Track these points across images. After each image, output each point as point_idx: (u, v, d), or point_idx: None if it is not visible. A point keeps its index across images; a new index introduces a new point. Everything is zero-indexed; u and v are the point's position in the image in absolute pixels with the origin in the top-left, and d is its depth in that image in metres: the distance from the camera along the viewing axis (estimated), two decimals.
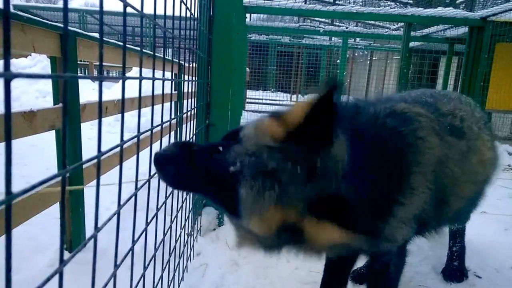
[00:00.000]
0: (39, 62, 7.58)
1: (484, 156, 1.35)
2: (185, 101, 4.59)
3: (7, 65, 0.42)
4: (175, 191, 1.42)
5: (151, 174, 1.07)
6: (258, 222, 0.89)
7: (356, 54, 13.31)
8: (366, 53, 12.45)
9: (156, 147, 1.20)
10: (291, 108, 0.92)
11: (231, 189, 0.89)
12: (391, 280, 1.31)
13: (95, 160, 0.69)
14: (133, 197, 0.92)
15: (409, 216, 1.10)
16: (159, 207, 1.23)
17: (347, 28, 8.90)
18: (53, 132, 1.78)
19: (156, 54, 0.99)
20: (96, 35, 2.07)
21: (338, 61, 9.56)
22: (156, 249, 1.18)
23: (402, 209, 1.07)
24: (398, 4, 12.71)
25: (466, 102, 1.48)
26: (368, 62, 12.78)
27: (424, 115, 1.16)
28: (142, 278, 1.04)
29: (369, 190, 0.98)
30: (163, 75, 1.26)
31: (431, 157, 1.11)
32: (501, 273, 2.02)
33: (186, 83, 1.90)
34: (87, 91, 6.99)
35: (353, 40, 10.17)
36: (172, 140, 4.11)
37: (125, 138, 0.80)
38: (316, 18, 10.13)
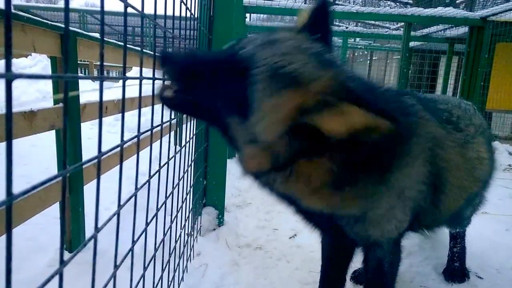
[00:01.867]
0: (39, 62, 7.58)
1: (481, 154, 1.37)
2: None
3: (8, 66, 0.42)
4: (175, 191, 1.42)
5: (151, 174, 1.07)
6: (270, 121, 0.85)
7: (356, 54, 13.30)
8: (366, 53, 12.44)
9: (156, 147, 1.20)
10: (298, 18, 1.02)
11: (241, 85, 0.85)
12: (386, 277, 1.29)
13: (95, 160, 0.69)
14: (133, 197, 0.92)
15: (404, 193, 1.10)
16: (159, 207, 1.23)
17: (347, 28, 8.91)
18: (53, 131, 1.78)
19: (156, 54, 0.99)
20: (96, 35, 2.07)
21: None
22: (156, 250, 1.18)
23: (398, 178, 1.06)
24: (398, 4, 12.70)
25: (466, 108, 1.51)
26: (368, 62, 12.78)
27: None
28: (142, 279, 1.04)
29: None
30: (163, 75, 1.26)
31: (429, 135, 1.15)
32: (503, 274, 2.01)
33: None
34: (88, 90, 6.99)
35: (353, 40, 10.17)
36: (172, 140, 4.11)
37: (125, 138, 0.80)
38: None
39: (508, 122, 7.33)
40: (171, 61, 0.92)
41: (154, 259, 1.15)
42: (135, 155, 0.95)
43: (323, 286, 1.53)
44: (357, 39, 10.16)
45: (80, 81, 2.55)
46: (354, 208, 1.06)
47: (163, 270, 1.31)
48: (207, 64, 0.91)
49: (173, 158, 1.36)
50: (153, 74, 1.02)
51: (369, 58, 12.73)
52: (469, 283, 1.91)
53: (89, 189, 1.87)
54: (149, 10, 1.00)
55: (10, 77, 0.43)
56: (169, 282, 1.42)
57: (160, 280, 1.28)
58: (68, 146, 1.84)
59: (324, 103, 0.81)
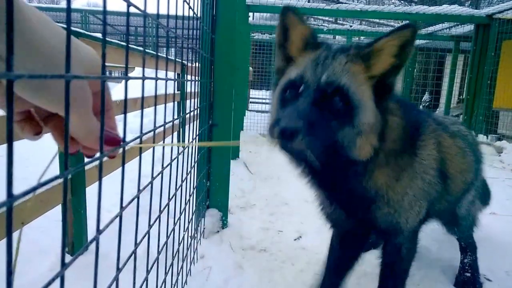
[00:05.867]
0: None
1: (464, 148, 1.62)
2: (188, 101, 4.58)
3: (9, 65, 0.40)
4: (178, 193, 1.41)
5: (154, 175, 1.05)
6: (369, 107, 1.11)
7: None
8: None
9: (158, 148, 1.18)
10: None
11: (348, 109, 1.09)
12: (403, 262, 1.41)
13: (97, 162, 0.68)
14: (136, 199, 0.90)
15: (423, 176, 1.32)
16: (162, 209, 1.21)
17: (351, 26, 8.89)
18: None
19: (158, 54, 0.97)
20: (98, 35, 2.06)
21: None
22: (159, 252, 1.16)
23: (419, 161, 1.31)
24: (402, 2, 12.66)
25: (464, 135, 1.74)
26: None
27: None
28: (145, 282, 1.02)
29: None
30: (166, 75, 1.25)
31: (433, 134, 1.44)
32: None
33: (189, 83, 1.88)
34: None
35: (357, 38, 10.13)
36: (175, 141, 4.09)
37: (127, 139, 0.79)
38: (320, 17, 10.09)
39: None
40: (295, 134, 0.97)
41: (157, 262, 1.13)
42: (137, 157, 0.94)
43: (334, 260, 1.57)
44: (362, 37, 10.12)
45: None
46: (393, 188, 1.26)
47: (166, 273, 1.30)
48: (318, 113, 1.05)
49: (176, 159, 1.34)
50: (156, 74, 1.00)
51: None
52: None
53: (90, 191, 1.86)
54: (151, 9, 0.99)
55: (11, 77, 0.41)
56: (173, 286, 1.41)
57: (164, 284, 1.26)
58: None
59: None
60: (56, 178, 0.54)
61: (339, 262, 1.56)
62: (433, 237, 2.40)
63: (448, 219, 1.80)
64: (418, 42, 8.41)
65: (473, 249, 1.97)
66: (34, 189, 0.48)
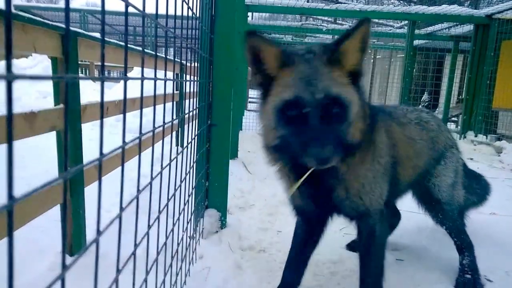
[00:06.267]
0: (40, 63, 7.57)
1: (414, 136, 1.81)
2: (186, 101, 4.58)
3: (8, 67, 0.40)
4: (177, 193, 1.41)
5: (153, 175, 1.05)
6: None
7: None
8: (369, 51, 12.40)
9: (157, 148, 1.19)
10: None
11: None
12: (378, 241, 1.58)
13: (97, 162, 0.68)
14: (135, 200, 0.90)
15: (380, 160, 1.49)
16: (161, 209, 1.21)
17: (350, 26, 8.86)
18: (53, 133, 1.77)
19: (157, 53, 0.97)
20: (97, 35, 2.05)
21: None
22: (158, 253, 1.16)
23: (375, 147, 1.47)
24: (401, 2, 12.66)
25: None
26: (372, 60, 12.74)
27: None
28: (144, 283, 1.02)
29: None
30: (165, 75, 1.25)
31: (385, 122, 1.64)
32: None
33: (188, 83, 1.88)
34: (88, 91, 6.99)
35: None
36: (174, 141, 4.09)
37: (126, 139, 0.79)
38: (319, 17, 10.08)
39: None
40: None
41: (157, 263, 1.13)
42: (137, 157, 0.94)
43: (290, 264, 1.72)
44: None
45: (81, 82, 2.54)
46: (356, 173, 1.42)
47: (165, 273, 1.30)
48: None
49: (175, 160, 1.34)
50: (155, 74, 1.00)
51: (372, 56, 12.69)
52: None
53: (89, 191, 1.85)
54: (150, 9, 0.99)
55: (10, 78, 0.41)
56: (172, 286, 1.40)
57: (163, 284, 1.26)
58: (69, 147, 1.82)
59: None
60: (56, 179, 0.54)
61: (304, 247, 1.73)
62: (434, 237, 2.41)
63: (426, 202, 1.98)
64: (417, 42, 8.40)
65: (470, 247, 1.97)
66: (35, 190, 0.48)
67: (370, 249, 1.56)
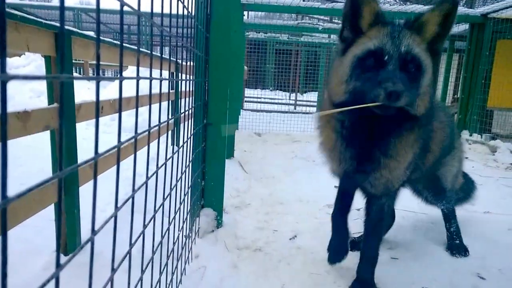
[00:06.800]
0: (33, 61, 7.50)
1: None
2: (182, 100, 4.55)
3: (3, 67, 0.40)
4: (173, 192, 1.40)
5: (148, 175, 1.05)
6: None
7: None
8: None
9: (153, 147, 1.18)
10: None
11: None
12: (385, 217, 1.74)
13: (92, 162, 0.67)
14: (130, 199, 0.90)
15: (414, 147, 1.53)
16: (156, 208, 1.20)
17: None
18: (47, 132, 1.75)
19: (153, 52, 0.97)
20: (91, 33, 2.04)
21: None
22: (153, 252, 1.16)
23: (416, 136, 1.51)
24: (397, 1, 12.71)
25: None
26: None
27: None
28: (139, 282, 1.01)
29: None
30: (161, 74, 1.24)
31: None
32: (505, 274, 1.99)
33: (183, 82, 1.87)
34: (82, 90, 6.94)
35: None
36: (169, 140, 4.07)
37: (121, 139, 0.78)
38: (315, 16, 10.09)
39: (510, 120, 7.23)
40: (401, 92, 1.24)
41: (152, 262, 1.13)
42: (132, 156, 0.93)
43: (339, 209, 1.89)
44: None
45: (75, 81, 2.52)
46: (400, 153, 1.50)
47: (161, 273, 1.29)
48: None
49: (171, 159, 1.33)
50: (150, 74, 1.00)
51: None
52: (472, 284, 1.88)
53: (84, 190, 1.84)
54: (145, 8, 0.98)
55: (5, 79, 0.41)
56: (167, 285, 1.40)
57: (158, 283, 1.26)
58: (63, 146, 1.81)
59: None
60: (50, 179, 0.54)
61: (343, 204, 1.89)
62: (429, 236, 2.42)
63: (434, 191, 2.13)
64: None
65: (454, 215, 2.27)
66: (29, 190, 0.48)
67: (375, 226, 1.71)
